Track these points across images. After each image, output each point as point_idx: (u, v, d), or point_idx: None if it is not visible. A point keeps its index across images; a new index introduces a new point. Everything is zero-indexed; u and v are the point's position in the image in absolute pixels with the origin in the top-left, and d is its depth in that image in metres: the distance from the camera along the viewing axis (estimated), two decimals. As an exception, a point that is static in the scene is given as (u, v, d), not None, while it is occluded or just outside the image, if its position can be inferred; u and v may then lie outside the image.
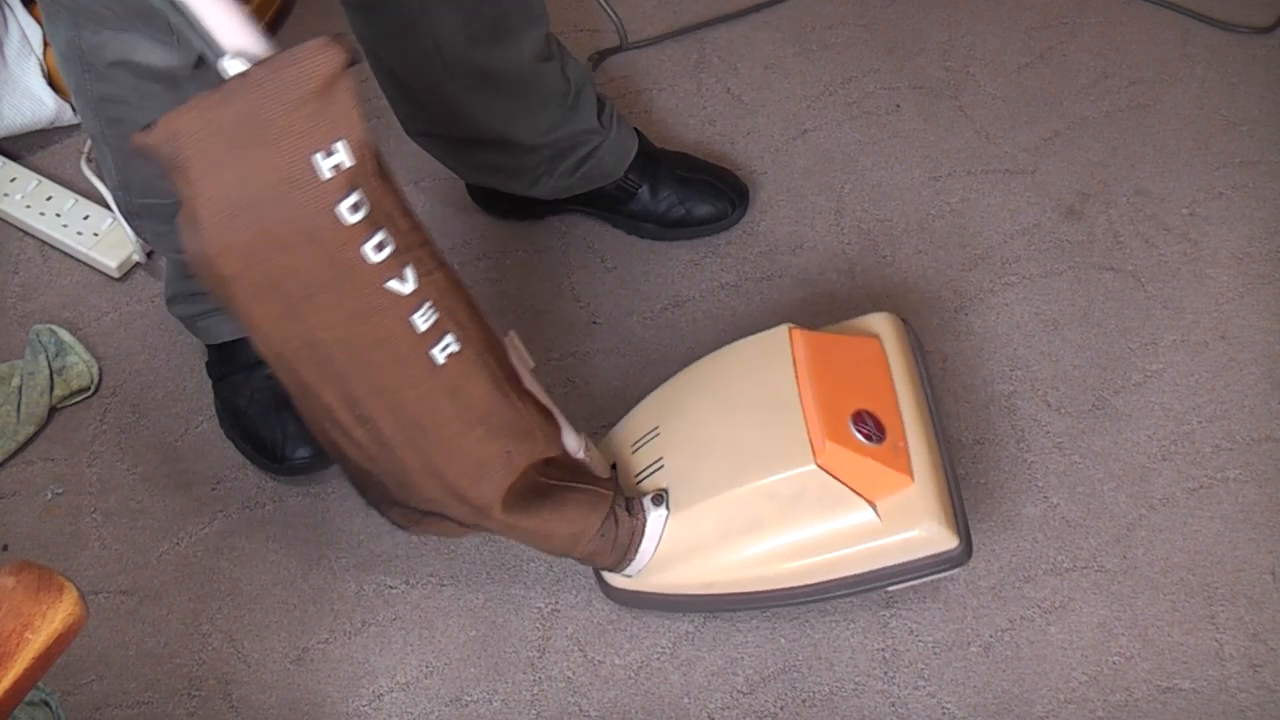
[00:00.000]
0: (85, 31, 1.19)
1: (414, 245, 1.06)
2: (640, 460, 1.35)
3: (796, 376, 1.30)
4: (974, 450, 1.49)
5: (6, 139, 1.73)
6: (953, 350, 1.57)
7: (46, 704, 1.25)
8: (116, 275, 1.64)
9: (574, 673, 1.36)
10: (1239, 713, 1.33)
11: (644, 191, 1.64)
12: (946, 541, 1.26)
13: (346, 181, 0.98)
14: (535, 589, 1.41)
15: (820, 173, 1.74)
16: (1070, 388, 1.54)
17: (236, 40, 0.96)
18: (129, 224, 1.44)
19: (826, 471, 1.25)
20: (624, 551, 1.30)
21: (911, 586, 1.35)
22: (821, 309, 1.61)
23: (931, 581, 1.39)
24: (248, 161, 0.96)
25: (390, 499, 1.23)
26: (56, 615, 0.78)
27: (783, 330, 1.35)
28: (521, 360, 1.19)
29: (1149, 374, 1.56)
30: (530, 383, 1.19)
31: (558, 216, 1.69)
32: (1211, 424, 1.52)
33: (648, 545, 1.30)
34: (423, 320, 1.07)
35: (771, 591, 1.31)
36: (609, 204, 1.65)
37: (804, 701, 1.34)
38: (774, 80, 1.84)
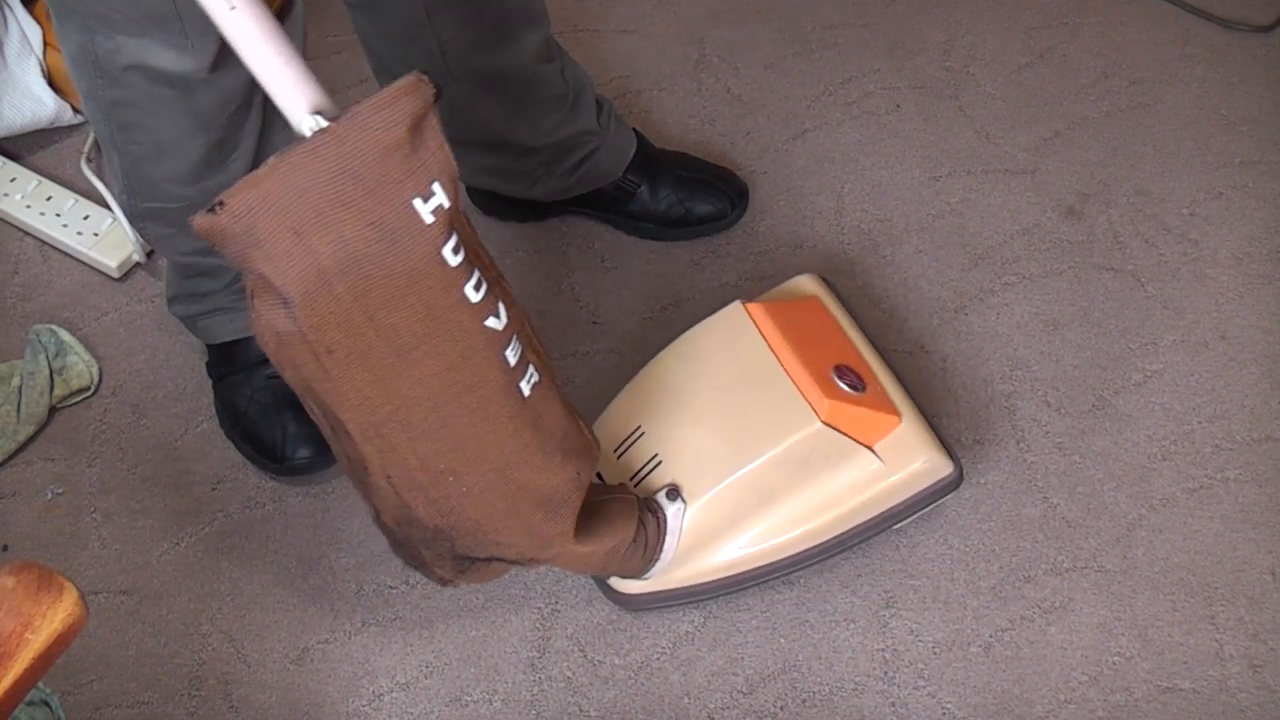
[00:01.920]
0: (98, 36, 1.17)
1: (496, 278, 1.03)
2: (632, 462, 1.35)
3: (770, 347, 1.35)
4: (974, 450, 1.49)
5: (6, 139, 1.73)
6: (953, 350, 1.57)
7: (46, 704, 1.25)
8: (116, 275, 1.64)
9: (574, 673, 1.36)
10: (1239, 713, 1.33)
11: (643, 191, 1.64)
12: (945, 468, 1.35)
13: (447, 223, 0.95)
14: (535, 589, 1.41)
15: (820, 173, 1.74)
16: (1070, 388, 1.54)
17: (312, 97, 0.92)
18: (134, 227, 1.43)
19: (832, 427, 1.30)
20: (652, 553, 1.30)
21: (913, 521, 1.39)
22: (821, 309, 1.61)
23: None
24: (344, 220, 0.91)
25: (441, 555, 1.18)
26: (56, 615, 0.78)
27: (737, 307, 1.39)
28: None
29: (1149, 374, 1.56)
30: None
31: (558, 217, 1.69)
32: (1211, 424, 1.52)
33: (670, 541, 1.30)
34: (512, 354, 1.04)
35: (790, 558, 1.34)
36: (609, 204, 1.65)
37: (804, 701, 1.34)
38: (774, 80, 1.84)
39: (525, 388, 1.06)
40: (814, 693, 1.35)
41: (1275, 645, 1.37)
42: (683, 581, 1.34)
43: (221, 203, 0.90)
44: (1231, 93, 1.81)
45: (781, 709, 1.34)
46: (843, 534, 1.34)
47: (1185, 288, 1.63)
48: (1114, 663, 1.36)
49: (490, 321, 1.01)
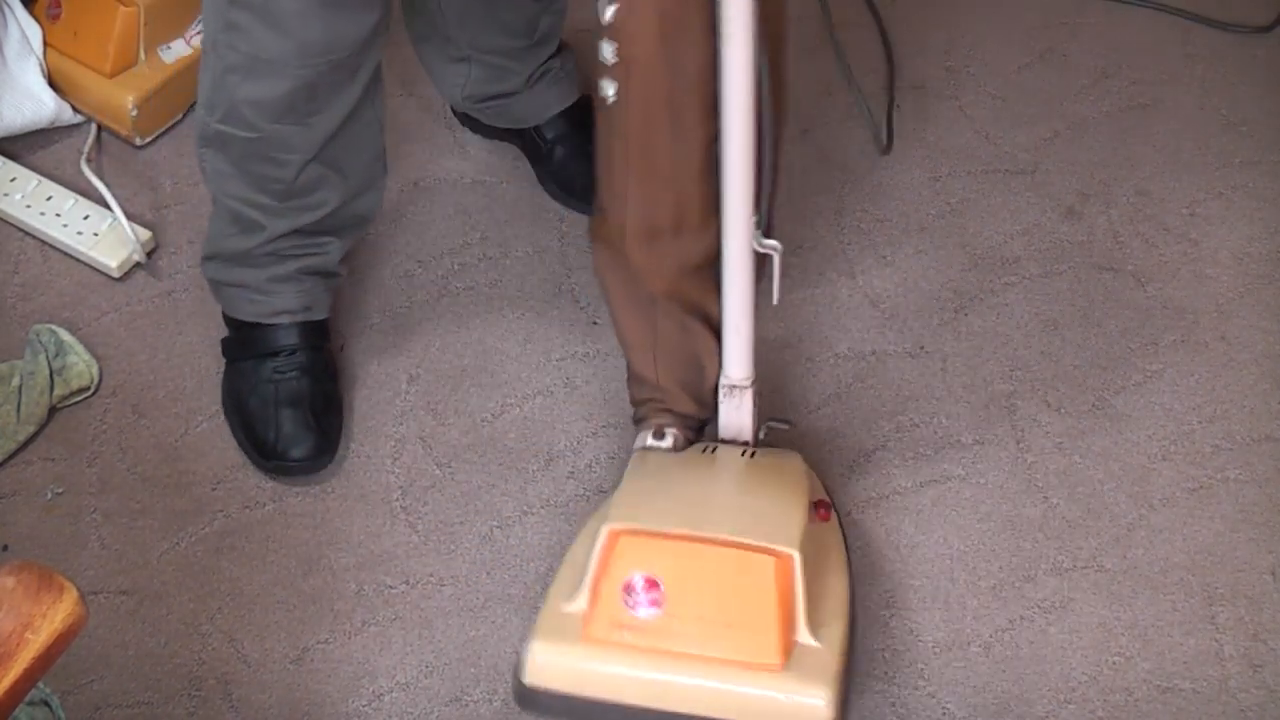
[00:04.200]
0: None
1: None
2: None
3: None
4: (974, 450, 1.49)
5: (6, 139, 1.73)
6: (953, 350, 1.57)
7: (46, 704, 1.25)
8: (116, 275, 1.64)
9: (574, 673, 1.36)
10: (1239, 713, 1.33)
11: (557, 152, 1.67)
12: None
13: None
14: (535, 589, 1.41)
15: (820, 173, 1.74)
16: (1070, 388, 1.54)
17: None
18: (197, 153, 1.42)
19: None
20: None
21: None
22: (822, 308, 1.61)
23: (931, 582, 1.39)
24: None
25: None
26: (56, 615, 0.78)
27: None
28: None
29: (1149, 374, 1.56)
30: None
31: (557, 215, 1.69)
32: (1211, 424, 1.52)
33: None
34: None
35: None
36: (526, 149, 1.71)
37: (804, 701, 1.34)
38: (774, 80, 1.84)
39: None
40: (814, 693, 1.35)
41: (1275, 645, 1.37)
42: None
43: None
44: (1231, 93, 1.81)
45: (781, 709, 1.34)
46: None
47: (1185, 288, 1.63)
48: (1114, 663, 1.36)
49: None
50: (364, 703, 1.35)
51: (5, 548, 1.44)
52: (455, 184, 1.72)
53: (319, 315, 1.51)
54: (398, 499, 1.48)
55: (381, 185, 1.49)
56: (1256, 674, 1.35)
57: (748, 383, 1.33)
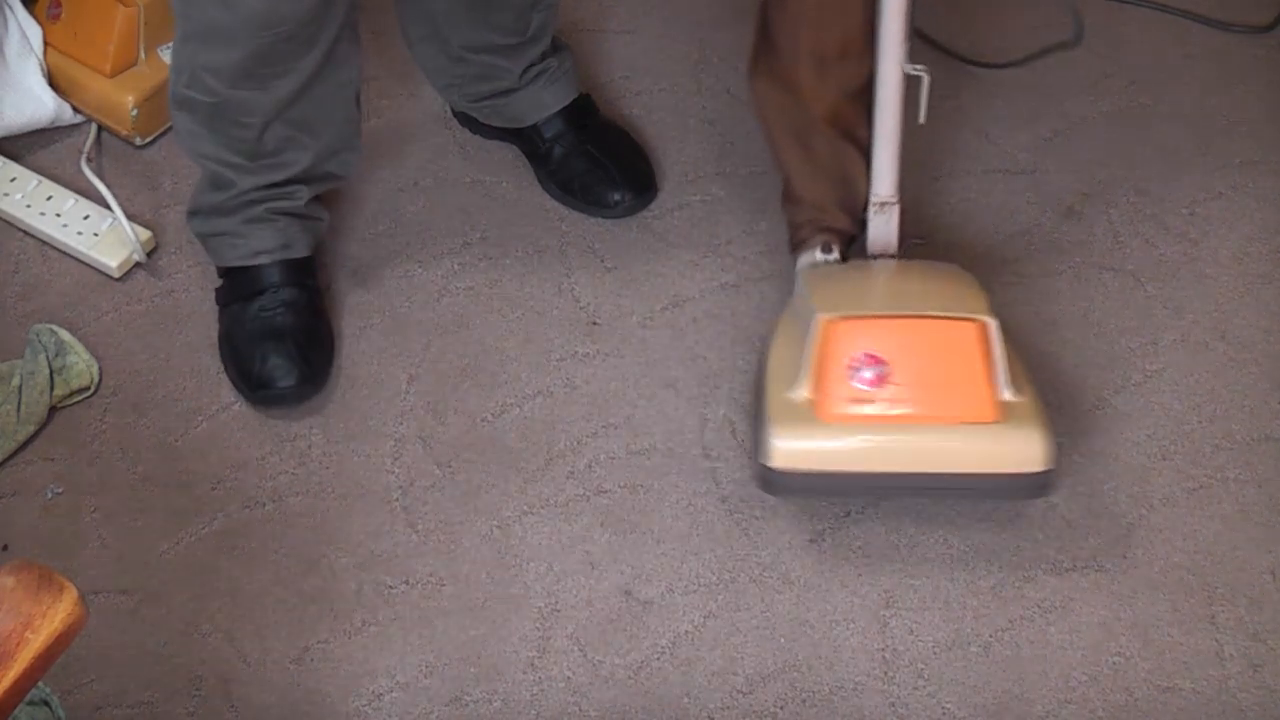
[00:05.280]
0: None
1: None
2: None
3: None
4: (974, 450, 1.49)
5: (6, 139, 1.73)
6: (953, 350, 1.57)
7: (46, 704, 1.25)
8: (116, 275, 1.64)
9: (574, 673, 1.36)
10: (1239, 713, 1.33)
11: (555, 151, 1.68)
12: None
13: None
14: (535, 589, 1.42)
15: (820, 173, 1.74)
16: (1070, 388, 1.54)
17: None
18: (171, 114, 1.48)
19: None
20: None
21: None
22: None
23: (931, 582, 1.40)
24: None
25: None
26: (56, 615, 0.78)
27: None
28: None
29: (1149, 374, 1.56)
30: None
31: (557, 215, 1.69)
32: (1211, 424, 1.52)
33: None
34: None
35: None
36: (524, 148, 1.72)
37: (804, 701, 1.34)
38: (774, 80, 1.84)
39: None
40: (814, 693, 1.35)
41: (1275, 645, 1.37)
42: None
43: None
44: (1231, 93, 1.81)
45: (781, 709, 1.34)
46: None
47: (1185, 288, 1.63)
48: (1114, 663, 1.36)
49: None
50: (364, 703, 1.35)
51: (5, 548, 1.44)
52: (455, 184, 1.72)
53: (299, 253, 1.55)
54: (398, 499, 1.48)
55: (356, 147, 1.55)
56: (1256, 674, 1.35)
57: (895, 199, 1.46)
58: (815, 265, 1.49)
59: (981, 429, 1.33)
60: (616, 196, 1.68)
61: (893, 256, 1.49)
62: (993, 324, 1.35)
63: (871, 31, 1.40)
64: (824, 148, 1.49)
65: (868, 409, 1.33)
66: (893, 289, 1.46)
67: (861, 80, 1.44)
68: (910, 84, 1.41)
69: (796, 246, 1.54)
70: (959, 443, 1.34)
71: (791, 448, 1.34)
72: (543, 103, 1.66)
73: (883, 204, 1.47)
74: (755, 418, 1.43)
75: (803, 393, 1.35)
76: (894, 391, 1.33)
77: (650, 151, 1.73)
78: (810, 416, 1.34)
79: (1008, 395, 1.35)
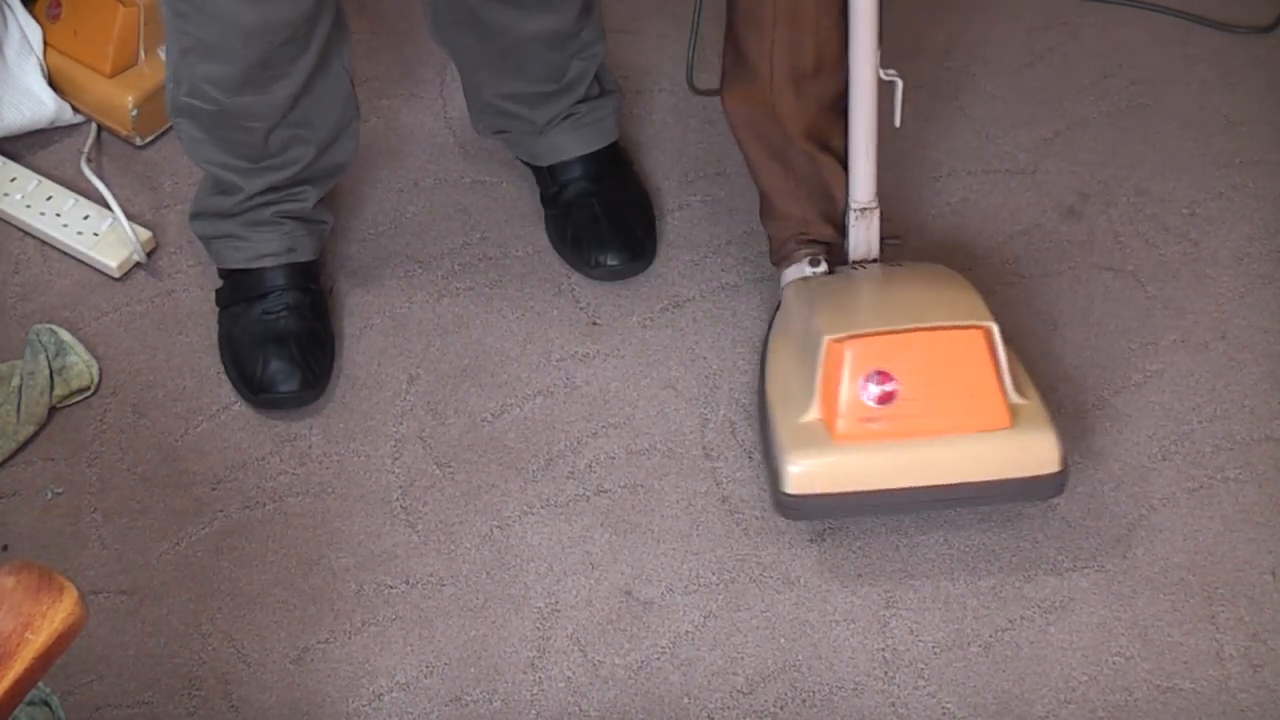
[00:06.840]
0: None
1: None
2: None
3: None
4: (974, 450, 1.49)
5: (6, 139, 1.73)
6: (953, 350, 1.57)
7: (46, 704, 1.25)
8: (116, 275, 1.64)
9: (574, 673, 1.36)
10: (1239, 713, 1.33)
11: (563, 197, 1.63)
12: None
13: None
14: (535, 589, 1.41)
15: (820, 173, 1.74)
16: (1070, 388, 1.54)
17: None
18: (172, 121, 1.48)
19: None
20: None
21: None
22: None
23: (931, 582, 1.40)
24: None
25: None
26: (56, 615, 0.78)
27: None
28: None
29: (1149, 374, 1.56)
30: None
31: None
32: (1211, 424, 1.52)
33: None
34: None
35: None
36: (539, 187, 1.67)
37: (804, 701, 1.34)
38: (774, 80, 1.84)
39: None
40: (814, 693, 1.35)
41: (1275, 645, 1.37)
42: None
43: None
44: (1231, 93, 1.81)
45: (781, 709, 1.34)
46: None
47: (1185, 288, 1.63)
48: (1114, 663, 1.36)
49: None
50: (364, 703, 1.35)
51: (5, 548, 1.44)
52: (455, 184, 1.72)
53: (303, 257, 1.54)
54: (398, 499, 1.48)
55: (355, 129, 1.54)
56: (1256, 674, 1.35)
57: (874, 204, 1.46)
58: (805, 279, 1.49)
59: (996, 436, 1.34)
60: (602, 258, 1.60)
61: (874, 260, 1.49)
62: (995, 329, 1.35)
63: (845, 40, 1.39)
64: (803, 163, 1.48)
65: (882, 426, 1.33)
66: (891, 301, 1.45)
67: (836, 92, 1.43)
68: (884, 89, 1.40)
69: (780, 260, 1.53)
70: (976, 451, 1.34)
71: (810, 472, 1.34)
72: (561, 147, 1.61)
73: (863, 210, 1.46)
74: (766, 446, 1.42)
75: (814, 416, 1.35)
76: (906, 406, 1.33)
77: (654, 210, 1.68)
78: (825, 439, 1.34)
79: (1015, 399, 1.35)
